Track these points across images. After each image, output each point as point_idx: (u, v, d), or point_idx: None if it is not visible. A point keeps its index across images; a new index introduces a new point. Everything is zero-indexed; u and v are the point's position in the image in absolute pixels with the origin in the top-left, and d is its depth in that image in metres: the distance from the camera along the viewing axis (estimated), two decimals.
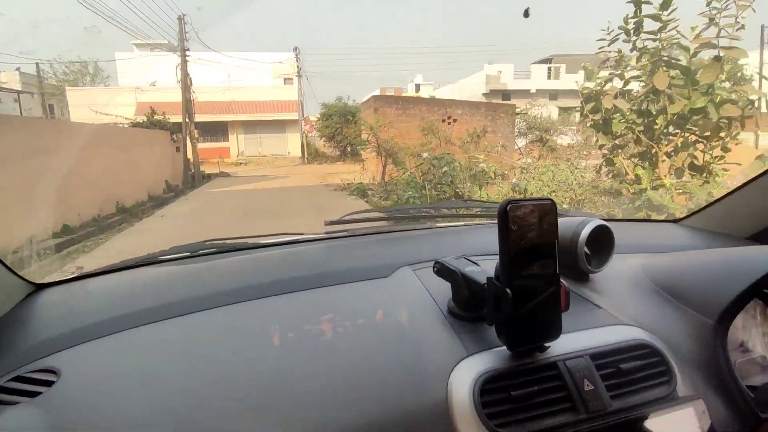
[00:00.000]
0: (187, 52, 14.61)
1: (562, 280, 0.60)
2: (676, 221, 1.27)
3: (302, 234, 1.15)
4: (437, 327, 0.70)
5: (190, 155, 15.38)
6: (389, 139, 11.30)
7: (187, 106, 14.96)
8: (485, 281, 0.61)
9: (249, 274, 0.92)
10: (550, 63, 26.78)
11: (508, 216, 0.56)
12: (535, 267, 0.58)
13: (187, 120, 14.86)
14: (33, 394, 0.61)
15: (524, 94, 23.61)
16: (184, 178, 14.23)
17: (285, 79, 26.45)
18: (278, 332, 0.69)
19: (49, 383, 0.62)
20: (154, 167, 12.24)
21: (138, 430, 0.54)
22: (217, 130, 25.62)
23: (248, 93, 25.28)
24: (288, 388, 0.60)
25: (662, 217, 1.69)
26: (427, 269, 0.79)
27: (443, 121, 12.91)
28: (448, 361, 0.62)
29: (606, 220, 0.94)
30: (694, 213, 1.23)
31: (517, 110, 14.18)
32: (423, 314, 0.73)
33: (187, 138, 14.71)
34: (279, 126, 25.47)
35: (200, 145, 24.04)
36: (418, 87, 43.02)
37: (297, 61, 23.21)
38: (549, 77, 25.78)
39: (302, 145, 24.30)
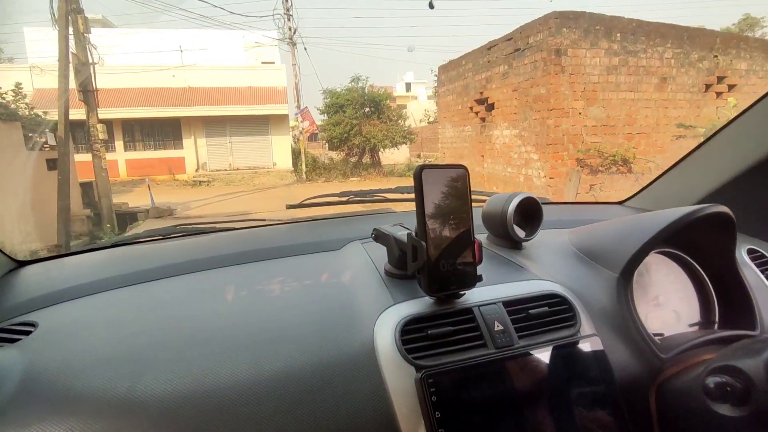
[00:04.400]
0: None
1: (480, 235, 0.77)
2: (620, 203, 1.43)
3: (266, 219, 1.27)
4: (372, 284, 0.79)
5: (85, 175, 7.23)
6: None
7: (84, 90, 7.55)
8: None
9: (214, 249, 1.03)
10: None
11: (422, 178, 0.64)
12: (450, 223, 0.66)
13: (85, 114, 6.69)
14: (12, 341, 0.70)
15: None
16: (60, 230, 5.88)
17: (263, 62, 17.96)
18: (232, 292, 0.80)
19: (28, 333, 0.72)
20: None
21: (104, 365, 0.62)
22: (162, 132, 17.03)
23: (212, 76, 16.84)
24: (236, 335, 0.68)
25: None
26: (376, 244, 0.86)
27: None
28: (376, 309, 0.71)
29: (558, 203, 1.48)
30: (634, 195, 1.39)
31: None
32: (362, 276, 0.83)
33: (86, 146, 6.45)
34: (259, 125, 17.40)
35: (133, 155, 16.57)
36: (408, 86, 39.12)
37: (288, 21, 14.84)
38: None
39: (300, 153, 15.90)
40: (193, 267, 0.92)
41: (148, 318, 0.74)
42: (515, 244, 0.94)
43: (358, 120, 15.95)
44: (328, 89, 16.96)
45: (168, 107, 16.49)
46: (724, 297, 0.87)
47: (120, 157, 16.79)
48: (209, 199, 12.13)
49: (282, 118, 17.64)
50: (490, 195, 1.00)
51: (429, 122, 14.70)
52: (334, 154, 18.14)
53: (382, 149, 16.26)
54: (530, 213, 0.94)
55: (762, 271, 0.94)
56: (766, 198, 1.06)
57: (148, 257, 1.00)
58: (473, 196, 0.71)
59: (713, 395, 0.61)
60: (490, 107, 7.72)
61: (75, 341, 0.69)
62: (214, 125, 17.41)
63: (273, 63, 19.00)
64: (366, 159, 17.07)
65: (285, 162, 17.87)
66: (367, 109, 16.44)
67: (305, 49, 17.26)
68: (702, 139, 1.16)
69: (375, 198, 1.40)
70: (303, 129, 15.97)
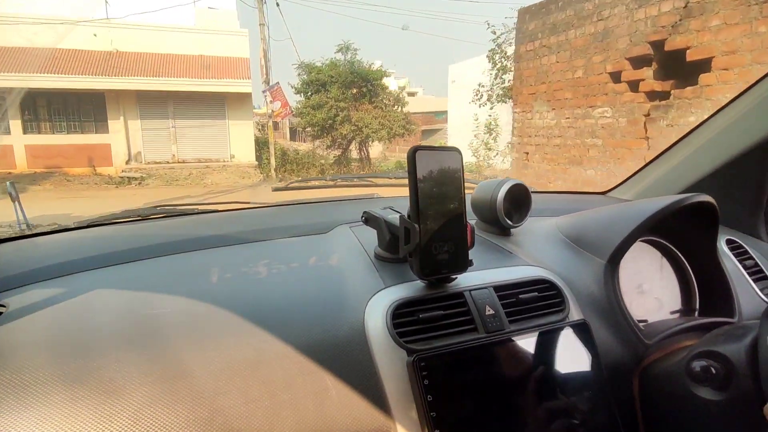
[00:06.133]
0: None
1: (469, 221, 0.71)
2: (603, 193, 1.45)
3: (250, 201, 1.25)
4: (362, 267, 0.78)
5: None
6: None
7: None
8: None
9: (196, 230, 0.99)
10: None
11: (415, 160, 0.63)
12: (442, 207, 0.66)
13: None
14: None
15: None
16: None
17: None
18: (217, 274, 0.77)
19: None
20: None
21: (77, 349, 0.60)
22: (79, 109, 12.76)
23: (149, 39, 12.76)
24: (220, 317, 0.66)
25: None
26: (365, 227, 0.86)
27: None
28: (366, 292, 0.70)
29: (544, 192, 1.55)
30: (617, 185, 1.41)
31: None
32: (352, 259, 0.82)
33: None
34: (213, 105, 13.72)
35: (36, 140, 12.17)
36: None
37: None
38: None
39: (266, 143, 12.07)
40: (174, 248, 0.88)
41: (125, 300, 0.72)
42: (504, 231, 0.95)
43: (346, 103, 12.24)
44: (306, 62, 13.14)
45: (87, 76, 12.34)
46: (704, 285, 0.91)
47: (16, 141, 12.51)
48: (135, 204, 8.14)
49: (243, 98, 13.80)
50: (476, 182, 1.03)
51: (482, 103, 11.06)
52: (305, 146, 14.46)
53: (377, 141, 12.70)
54: (519, 200, 0.95)
55: (740, 261, 0.98)
56: (743, 190, 1.11)
57: (125, 238, 0.96)
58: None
59: (696, 379, 0.64)
60: (692, 69, 3.90)
61: (46, 324, 0.66)
62: (151, 103, 13.37)
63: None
64: (353, 153, 13.44)
65: (246, 154, 14.12)
66: (355, 90, 12.76)
67: (277, 4, 13.20)
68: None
69: (363, 182, 1.48)
70: (273, 112, 12.12)
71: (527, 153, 5.87)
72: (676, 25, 3.95)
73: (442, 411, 0.60)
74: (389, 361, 0.62)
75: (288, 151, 14.59)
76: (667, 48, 4.04)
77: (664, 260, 0.93)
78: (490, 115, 12.62)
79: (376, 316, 0.66)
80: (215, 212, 1.15)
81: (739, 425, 0.61)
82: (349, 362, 0.62)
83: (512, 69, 10.39)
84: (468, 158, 13.44)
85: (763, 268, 0.99)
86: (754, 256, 1.01)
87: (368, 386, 0.61)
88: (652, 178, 1.28)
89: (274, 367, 0.60)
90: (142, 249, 0.87)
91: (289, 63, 14.14)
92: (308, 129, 13.54)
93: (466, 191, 0.79)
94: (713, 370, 0.62)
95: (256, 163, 13.88)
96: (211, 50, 13.54)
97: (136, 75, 12.71)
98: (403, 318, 0.66)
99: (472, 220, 0.97)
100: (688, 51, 3.84)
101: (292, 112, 12.87)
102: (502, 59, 10.46)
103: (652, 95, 4.30)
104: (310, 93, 13.53)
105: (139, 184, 11.90)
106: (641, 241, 0.92)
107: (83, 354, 0.59)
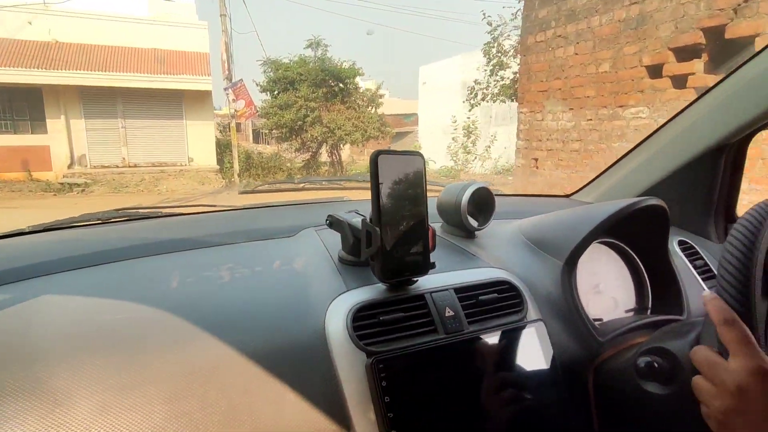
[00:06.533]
0: None
1: (435, 224, 0.77)
2: (567, 196, 1.48)
3: (216, 204, 1.24)
4: (326, 271, 0.78)
5: None
6: None
7: None
8: None
9: (159, 234, 0.97)
10: None
11: (378, 164, 0.64)
12: (405, 210, 0.67)
13: None
14: None
15: None
16: None
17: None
18: (178, 278, 0.76)
19: None
20: None
21: (31, 357, 0.58)
22: (12, 106, 11.40)
23: (94, 29, 11.50)
24: (180, 323, 0.65)
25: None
26: (332, 230, 0.85)
27: None
28: (328, 295, 0.70)
29: (511, 195, 1.60)
30: (581, 188, 1.44)
31: None
32: (316, 262, 0.82)
33: None
34: (169, 104, 12.56)
35: None
36: None
37: None
38: None
39: (229, 146, 11.06)
40: (135, 252, 0.86)
41: (80, 306, 0.70)
42: (468, 233, 0.97)
43: (316, 103, 11.29)
44: (273, 59, 12.10)
45: (20, 69, 10.89)
46: (657, 285, 0.93)
47: None
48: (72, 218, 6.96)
49: (202, 96, 12.60)
50: (443, 185, 1.03)
51: (475, 103, 10.22)
52: (270, 148, 13.48)
53: (349, 144, 11.81)
54: (483, 203, 0.96)
55: (691, 261, 1.02)
56: (695, 194, 1.16)
57: (84, 242, 0.94)
58: (427, 186, 0.75)
59: (643, 374, 0.66)
60: None
61: None
62: (98, 100, 12.01)
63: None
64: (323, 156, 12.50)
65: (207, 158, 12.95)
66: (326, 89, 11.84)
67: None
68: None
69: (331, 185, 1.48)
70: (236, 111, 11.02)
71: (536, 159, 5.04)
72: (740, 8, 3.28)
73: (399, 412, 0.61)
74: (349, 364, 0.63)
75: (252, 154, 13.47)
76: (727, 35, 3.36)
77: (620, 261, 0.97)
78: (468, 117, 12.01)
79: (336, 319, 0.66)
80: (180, 215, 1.13)
81: (684, 417, 0.62)
82: (309, 366, 0.63)
83: (509, 65, 9.70)
84: (446, 162, 12.79)
85: (711, 267, 1.03)
86: (704, 257, 1.05)
87: (327, 389, 0.61)
88: (613, 182, 1.34)
89: (232, 372, 0.60)
90: (102, 253, 0.85)
91: (254, 59, 12.99)
92: (275, 131, 12.48)
93: (434, 194, 0.93)
94: (656, 365, 0.64)
95: (218, 167, 12.75)
96: (166, 43, 12.32)
97: (78, 69, 11.36)
98: (364, 321, 0.66)
99: (438, 222, 1.00)
100: (757, 38, 3.18)
101: (257, 112, 11.78)
102: (499, 54, 9.71)
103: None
104: (277, 92, 12.55)
105: (83, 191, 10.55)
106: (599, 242, 0.95)
107: (31, 363, 0.57)
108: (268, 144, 17.05)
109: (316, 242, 0.90)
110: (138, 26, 12.21)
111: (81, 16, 11.65)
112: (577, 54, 4.56)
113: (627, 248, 0.96)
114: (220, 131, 14.54)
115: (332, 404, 0.61)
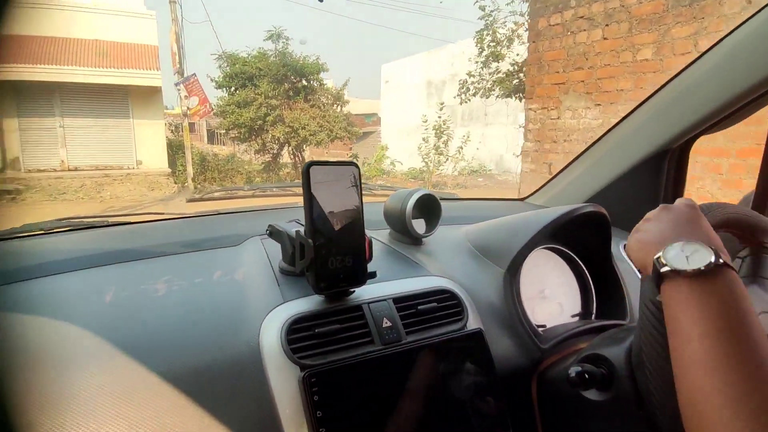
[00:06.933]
0: None
1: (368, 233, 0.72)
2: (521, 199, 1.50)
3: (163, 212, 1.23)
4: (265, 281, 0.78)
5: None
6: None
7: None
8: None
9: (100, 245, 0.96)
10: None
11: (309, 175, 0.64)
12: (339, 221, 0.67)
13: None
14: None
15: None
16: None
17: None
18: (112, 293, 0.75)
19: None
20: None
21: None
22: None
23: (25, 17, 9.90)
24: (106, 341, 0.63)
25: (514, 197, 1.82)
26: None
27: None
28: (264, 308, 0.70)
29: (464, 199, 1.53)
30: (535, 191, 1.46)
31: None
32: (256, 273, 0.81)
33: None
34: (114, 101, 12.03)
35: None
36: None
37: None
38: None
39: (181, 147, 10.22)
40: (74, 265, 0.84)
41: (8, 323, 0.68)
42: (415, 240, 0.96)
43: (278, 100, 10.54)
44: (228, 52, 11.26)
45: None
46: (601, 289, 0.95)
47: None
48: None
49: (151, 93, 11.76)
50: (394, 189, 1.05)
51: (466, 99, 9.57)
52: (225, 149, 12.66)
53: (314, 145, 11.12)
54: (429, 210, 0.97)
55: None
56: (640, 198, 1.17)
57: (23, 254, 0.91)
58: (380, 191, 0.79)
59: (575, 384, 0.65)
60: None
61: None
62: (32, 97, 10.89)
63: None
64: (285, 158, 11.76)
65: (157, 160, 12.06)
66: (288, 86, 11.10)
67: None
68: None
69: (283, 192, 1.45)
70: (189, 109, 10.13)
71: (550, 164, 4.34)
72: None
73: (331, 426, 0.60)
74: (283, 378, 0.62)
75: (207, 156, 12.59)
76: None
77: (566, 266, 0.98)
78: (440, 117, 11.55)
79: (271, 332, 0.66)
80: (127, 224, 1.11)
81: (621, 423, 0.64)
82: (242, 382, 0.62)
83: (506, 55, 9.16)
84: (414, 163, 12.33)
85: None
86: None
87: (260, 405, 0.61)
88: (564, 185, 1.36)
89: (161, 391, 0.58)
90: (38, 267, 0.82)
91: (208, 52, 12.12)
92: (233, 131, 11.64)
93: (384, 200, 0.97)
94: (586, 376, 0.64)
95: (169, 170, 11.93)
96: (109, 34, 11.41)
97: (10, 62, 10.18)
98: (299, 333, 0.66)
99: (386, 230, 1.01)
100: None
101: (212, 110, 10.98)
102: (494, 43, 9.05)
103: None
104: (234, 88, 11.74)
105: (14, 199, 9.48)
106: (544, 248, 0.96)
107: None
108: (224, 145, 16.12)
109: (259, 252, 0.89)
110: (78, 15, 11.22)
111: (12, 4, 10.48)
112: (606, 39, 3.84)
113: (571, 254, 0.98)
114: (172, 131, 13.65)
115: (265, 420, 0.60)
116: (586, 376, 0.63)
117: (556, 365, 0.76)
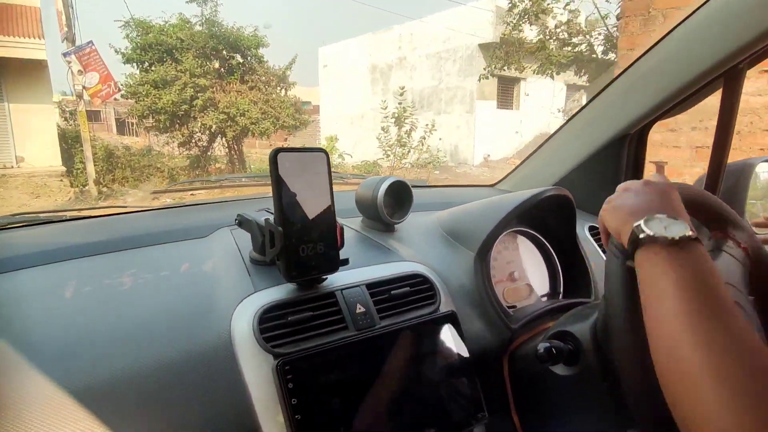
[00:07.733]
0: None
1: (340, 220, 0.72)
2: (492, 185, 1.55)
3: (127, 206, 1.65)
4: (236, 272, 0.78)
5: None
6: None
7: None
8: None
9: (60, 239, 0.93)
10: None
11: (277, 162, 0.64)
12: (310, 208, 0.67)
13: None
14: None
15: None
16: None
17: None
18: (73, 288, 0.74)
19: None
20: None
21: None
22: None
23: None
24: (69, 337, 0.63)
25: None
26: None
27: None
28: (235, 297, 0.70)
29: (435, 186, 1.57)
30: (504, 177, 1.52)
31: None
32: (226, 263, 0.81)
33: None
34: None
35: None
36: None
37: None
38: None
39: (78, 139, 7.92)
40: (31, 261, 0.81)
41: None
42: (387, 227, 0.98)
43: (207, 80, 8.46)
44: (139, 18, 8.95)
45: None
46: (568, 270, 0.99)
47: None
48: None
49: (34, 68, 9.66)
50: (365, 177, 1.05)
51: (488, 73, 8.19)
52: (140, 141, 10.56)
53: (258, 135, 9.17)
54: (400, 196, 0.99)
55: (600, 246, 1.08)
56: (604, 180, 1.21)
57: None
58: (352, 180, 0.78)
59: (544, 359, 0.67)
60: None
61: None
62: None
63: None
64: (219, 150, 9.70)
65: (47, 156, 10.00)
66: (218, 63, 9.05)
67: None
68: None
69: (250, 182, 1.42)
70: (85, 89, 7.78)
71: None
72: None
73: (307, 413, 0.61)
74: (256, 367, 0.63)
75: (116, 150, 10.16)
76: None
77: (535, 249, 1.01)
78: (400, 103, 10.09)
79: (242, 322, 0.66)
80: (86, 218, 1.09)
81: (588, 396, 0.67)
82: (214, 372, 0.62)
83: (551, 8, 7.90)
84: (364, 156, 10.83)
85: None
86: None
87: (234, 395, 0.61)
88: (531, 170, 1.40)
89: (130, 385, 0.58)
90: None
91: (111, 18, 9.56)
92: (150, 118, 9.26)
93: (355, 188, 0.98)
94: (554, 351, 0.66)
95: (63, 169, 9.84)
96: None
97: None
98: (272, 322, 0.66)
99: (359, 217, 1.02)
100: None
101: (119, 89, 8.53)
102: None
103: None
104: (148, 63, 9.52)
105: None
106: (514, 231, 0.99)
107: None
108: (137, 136, 13.51)
109: (228, 242, 0.89)
110: None
111: None
112: None
113: (539, 236, 1.01)
114: (66, 119, 10.90)
115: (240, 410, 0.61)
116: (554, 351, 0.66)
117: (526, 344, 0.80)
